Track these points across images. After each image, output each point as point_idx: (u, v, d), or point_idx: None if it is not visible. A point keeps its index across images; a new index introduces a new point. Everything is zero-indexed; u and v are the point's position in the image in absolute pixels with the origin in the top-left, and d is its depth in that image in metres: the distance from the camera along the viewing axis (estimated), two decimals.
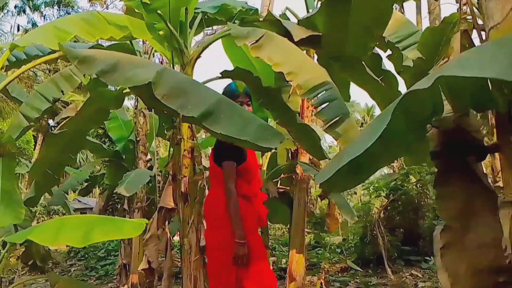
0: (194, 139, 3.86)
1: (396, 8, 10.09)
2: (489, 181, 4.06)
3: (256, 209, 2.99)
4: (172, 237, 5.32)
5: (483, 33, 1.72)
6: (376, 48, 4.73)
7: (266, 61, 3.35)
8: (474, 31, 1.91)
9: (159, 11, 3.76)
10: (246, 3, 5.13)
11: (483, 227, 1.59)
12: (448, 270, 1.57)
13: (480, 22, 1.80)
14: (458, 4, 1.81)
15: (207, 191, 3.82)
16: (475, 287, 1.60)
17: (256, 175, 2.96)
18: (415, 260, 5.91)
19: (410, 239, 6.06)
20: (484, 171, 1.68)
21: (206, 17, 4.59)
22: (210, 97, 2.53)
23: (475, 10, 1.80)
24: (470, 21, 1.94)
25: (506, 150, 1.52)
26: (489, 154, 1.80)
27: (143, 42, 6.70)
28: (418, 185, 6.19)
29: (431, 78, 1.36)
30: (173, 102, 2.48)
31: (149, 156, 6.07)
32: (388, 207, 6.24)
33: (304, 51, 5.02)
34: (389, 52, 4.76)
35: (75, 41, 5.09)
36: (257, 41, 3.38)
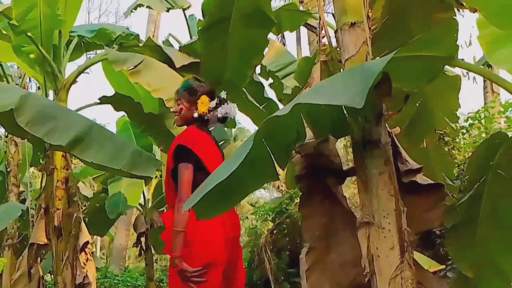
0: (69, 168, 3.64)
1: (277, 39, 10.58)
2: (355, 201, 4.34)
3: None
4: (50, 275, 4.91)
5: (341, 64, 1.84)
6: (259, 76, 4.91)
7: (145, 87, 3.30)
8: None
9: (29, 33, 3.54)
10: (128, 28, 5.04)
11: (343, 247, 1.68)
12: None
13: None
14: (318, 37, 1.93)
15: (83, 224, 3.62)
16: None
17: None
18: (300, 282, 6.09)
19: (295, 261, 6.23)
20: (344, 194, 1.77)
21: (84, 41, 4.43)
22: (80, 124, 2.42)
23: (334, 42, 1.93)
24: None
25: (361, 174, 1.63)
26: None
27: (18, 66, 6.25)
28: None
29: (290, 105, 1.41)
30: (38, 130, 2.32)
31: (22, 188, 5.60)
32: (275, 231, 6.38)
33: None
34: (270, 80, 4.96)
35: None
36: (135, 66, 3.32)
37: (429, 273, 1.71)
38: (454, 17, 2.33)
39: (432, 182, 1.76)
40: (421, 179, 1.72)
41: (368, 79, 1.34)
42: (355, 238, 1.63)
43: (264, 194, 21.82)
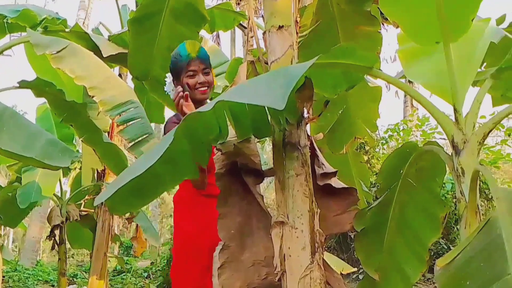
0: None
1: (212, 38, 10.56)
2: None
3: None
4: None
5: (267, 65, 1.86)
6: None
7: (68, 74, 3.16)
8: None
9: None
10: (57, 13, 4.81)
11: (257, 246, 1.69)
12: None
13: None
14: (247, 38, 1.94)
15: None
16: None
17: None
18: None
19: None
20: (261, 193, 1.80)
21: (6, 21, 4.16)
22: None
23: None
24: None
25: (280, 174, 1.66)
26: None
27: None
28: None
29: (213, 103, 1.40)
30: None
31: None
32: None
33: (118, 68, 4.91)
34: None
35: None
36: (58, 52, 3.17)
37: (338, 275, 1.77)
38: (379, 31, 2.45)
39: (346, 186, 1.82)
40: (335, 182, 1.78)
41: (291, 82, 1.35)
42: (269, 238, 1.65)
43: None
